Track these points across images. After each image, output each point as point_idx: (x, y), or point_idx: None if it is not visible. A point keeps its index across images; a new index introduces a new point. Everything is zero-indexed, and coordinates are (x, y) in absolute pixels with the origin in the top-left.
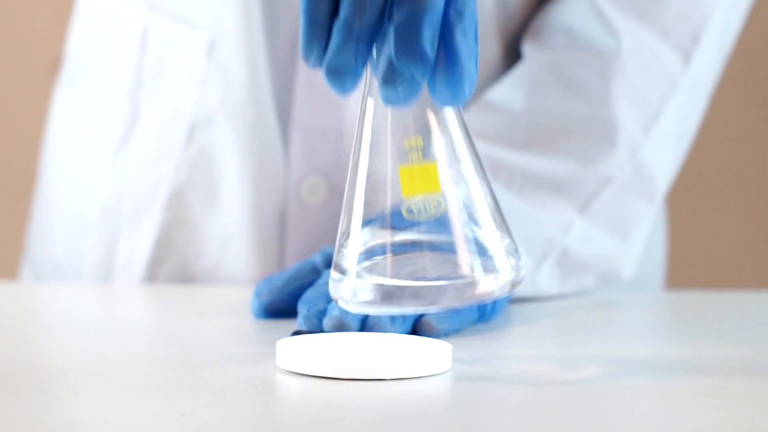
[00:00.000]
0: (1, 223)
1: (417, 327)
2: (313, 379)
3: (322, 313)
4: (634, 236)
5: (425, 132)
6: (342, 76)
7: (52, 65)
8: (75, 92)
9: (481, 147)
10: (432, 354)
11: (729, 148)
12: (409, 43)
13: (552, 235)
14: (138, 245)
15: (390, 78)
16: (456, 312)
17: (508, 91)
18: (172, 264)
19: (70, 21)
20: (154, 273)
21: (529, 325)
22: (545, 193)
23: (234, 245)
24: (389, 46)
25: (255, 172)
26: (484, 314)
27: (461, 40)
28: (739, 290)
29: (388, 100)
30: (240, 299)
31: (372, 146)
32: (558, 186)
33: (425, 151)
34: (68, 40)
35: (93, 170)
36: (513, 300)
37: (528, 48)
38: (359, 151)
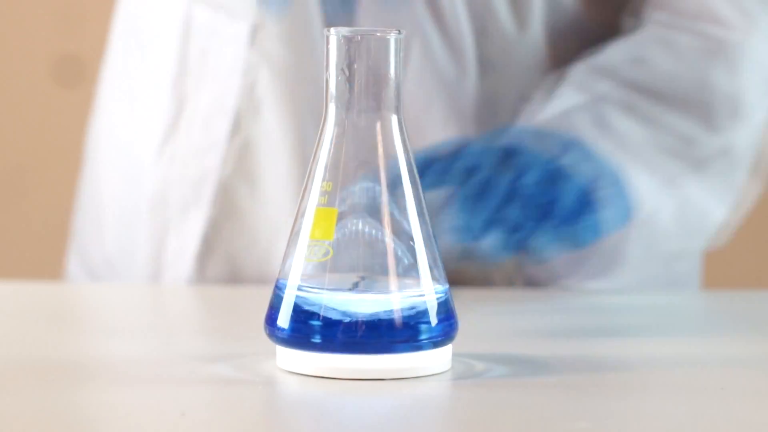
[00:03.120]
0: (0, 222)
1: (520, 255)
2: (313, 379)
3: None
4: (736, 207)
5: (339, 178)
6: None
7: (52, 65)
8: (120, 83)
9: (615, 92)
10: (432, 354)
11: None
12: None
13: (672, 173)
14: (187, 239)
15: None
16: (556, 239)
17: (637, 49)
18: (221, 257)
19: (71, 21)
20: (202, 267)
21: (530, 325)
22: (669, 144)
23: (283, 237)
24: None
25: (302, 161)
26: (581, 241)
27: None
28: (739, 290)
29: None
30: (242, 299)
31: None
32: (680, 139)
33: (331, 197)
34: (112, 30)
35: (141, 163)
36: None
37: (656, 15)
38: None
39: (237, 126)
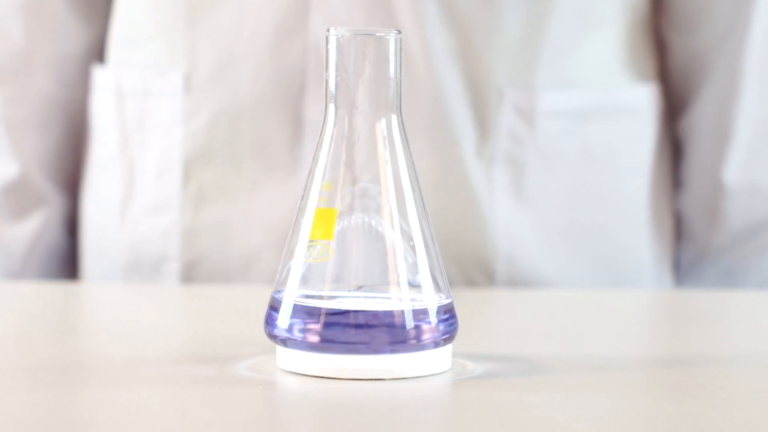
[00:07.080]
0: None
1: None
2: (313, 379)
3: None
4: None
5: (339, 179)
6: None
7: None
8: (83, 158)
9: None
10: (432, 354)
11: None
12: None
13: None
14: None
15: None
16: None
17: None
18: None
19: None
20: None
21: (530, 324)
22: None
23: (258, 268)
24: None
25: (258, 197)
26: None
27: None
28: (740, 290)
29: None
30: (242, 299)
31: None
32: None
33: (330, 197)
34: None
35: (107, 234)
36: None
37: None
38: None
39: (188, 175)
